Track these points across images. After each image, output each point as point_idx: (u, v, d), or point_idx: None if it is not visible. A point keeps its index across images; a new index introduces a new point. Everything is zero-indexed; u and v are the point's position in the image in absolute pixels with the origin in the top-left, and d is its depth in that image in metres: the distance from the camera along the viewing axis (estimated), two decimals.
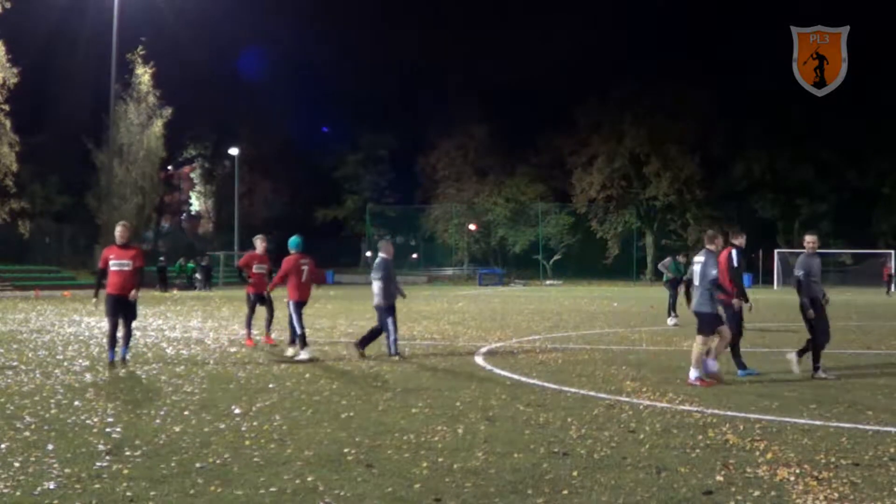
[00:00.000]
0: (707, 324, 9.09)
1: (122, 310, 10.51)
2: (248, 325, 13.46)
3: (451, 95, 68.04)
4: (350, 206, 71.40)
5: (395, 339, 11.45)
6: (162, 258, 42.74)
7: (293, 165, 70.36)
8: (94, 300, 10.96)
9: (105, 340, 11.27)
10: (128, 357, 10.74)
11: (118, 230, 10.83)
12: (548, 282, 58.81)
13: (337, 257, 65.54)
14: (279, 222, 71.45)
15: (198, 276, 42.31)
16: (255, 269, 13.31)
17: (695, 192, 59.79)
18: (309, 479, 5.05)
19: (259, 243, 13.57)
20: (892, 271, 42.16)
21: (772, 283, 51.07)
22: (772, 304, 26.35)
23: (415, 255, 72.45)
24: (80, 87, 49.65)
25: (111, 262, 10.49)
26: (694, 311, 9.34)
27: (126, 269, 10.46)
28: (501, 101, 65.74)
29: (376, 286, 11.48)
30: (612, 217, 62.68)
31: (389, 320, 11.36)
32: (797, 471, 5.24)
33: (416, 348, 12.79)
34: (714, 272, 9.06)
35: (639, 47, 62.12)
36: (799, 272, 9.73)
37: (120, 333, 10.64)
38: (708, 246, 9.37)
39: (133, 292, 10.45)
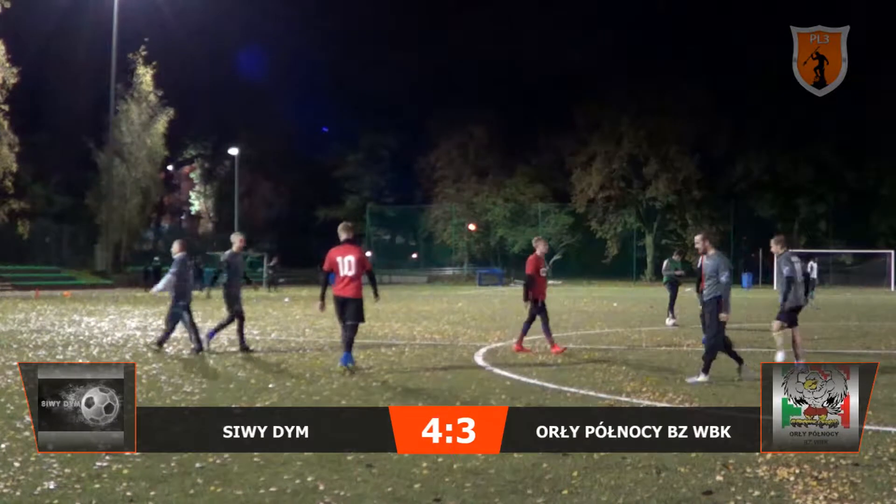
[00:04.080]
0: None
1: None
2: (548, 333, 12.32)
3: (451, 95, 68.16)
4: (350, 206, 71.38)
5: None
6: (157, 258, 42.69)
7: (293, 165, 70.35)
8: (319, 303, 10.14)
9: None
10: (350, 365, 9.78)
11: (348, 230, 10.07)
12: (548, 282, 58.80)
13: None
14: (279, 222, 71.53)
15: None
16: (542, 272, 12.34)
17: (694, 192, 59.78)
18: (309, 479, 5.04)
19: (542, 245, 12.68)
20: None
21: (771, 282, 51.04)
22: (771, 304, 26.31)
23: (414, 255, 72.43)
24: (80, 87, 49.67)
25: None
26: None
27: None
28: (501, 101, 65.78)
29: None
30: (612, 217, 62.66)
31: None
32: (797, 471, 5.23)
33: (416, 348, 12.79)
34: None
35: (638, 47, 62.12)
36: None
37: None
38: None
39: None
